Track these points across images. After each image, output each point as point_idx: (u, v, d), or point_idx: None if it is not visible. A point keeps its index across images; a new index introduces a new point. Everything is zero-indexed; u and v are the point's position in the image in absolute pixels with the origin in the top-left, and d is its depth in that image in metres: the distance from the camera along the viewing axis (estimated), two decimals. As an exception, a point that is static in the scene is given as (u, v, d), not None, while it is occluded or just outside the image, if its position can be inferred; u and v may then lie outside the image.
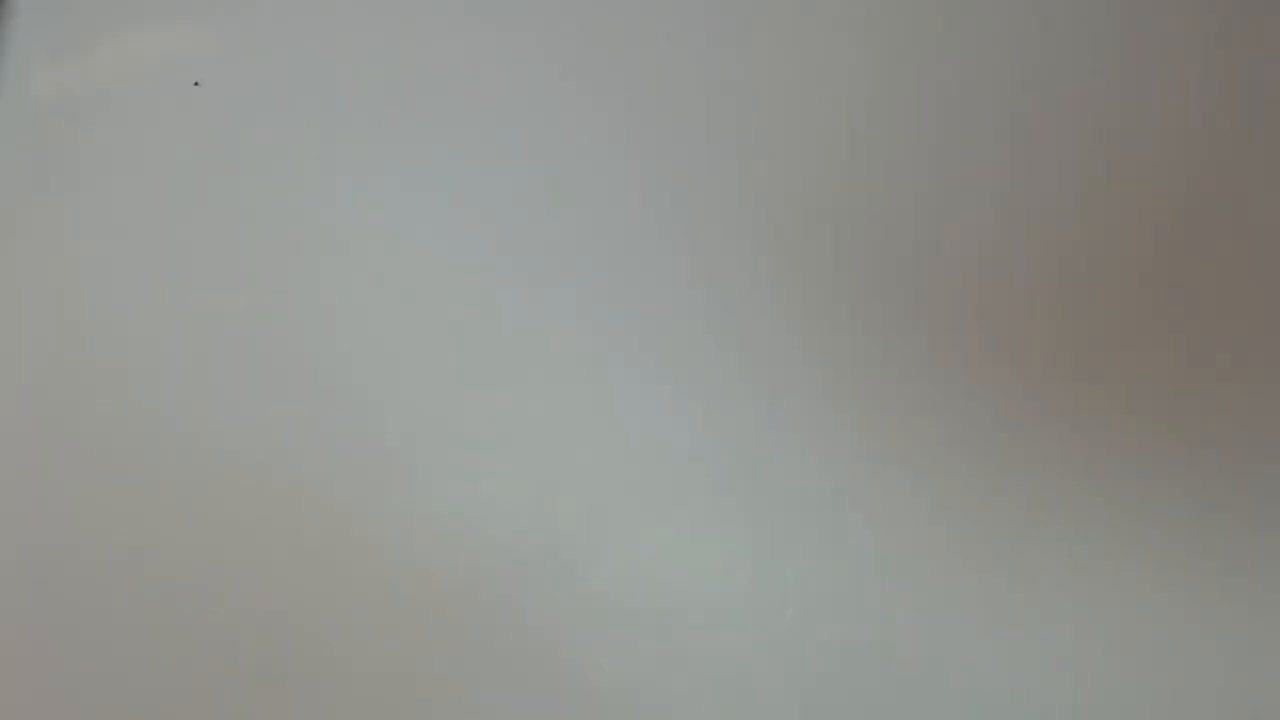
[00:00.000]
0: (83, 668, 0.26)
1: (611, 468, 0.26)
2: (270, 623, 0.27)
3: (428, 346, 0.26)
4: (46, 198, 0.30)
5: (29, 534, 0.27)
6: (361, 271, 0.27)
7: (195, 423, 0.29)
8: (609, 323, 0.26)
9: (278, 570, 0.27)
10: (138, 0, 0.30)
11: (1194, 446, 0.28)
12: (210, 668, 0.27)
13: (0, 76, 0.29)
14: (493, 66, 0.27)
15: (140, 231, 0.30)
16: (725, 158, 0.30)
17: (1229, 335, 0.29)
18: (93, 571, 0.27)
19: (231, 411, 0.29)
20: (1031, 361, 0.29)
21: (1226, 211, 0.30)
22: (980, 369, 0.29)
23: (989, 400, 0.29)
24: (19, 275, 0.29)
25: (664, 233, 0.26)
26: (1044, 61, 0.32)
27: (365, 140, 0.27)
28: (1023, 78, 0.31)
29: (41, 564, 0.27)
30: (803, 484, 0.25)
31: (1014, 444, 0.25)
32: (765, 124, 0.31)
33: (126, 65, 0.30)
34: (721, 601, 0.27)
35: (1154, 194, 0.30)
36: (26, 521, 0.27)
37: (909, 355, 0.29)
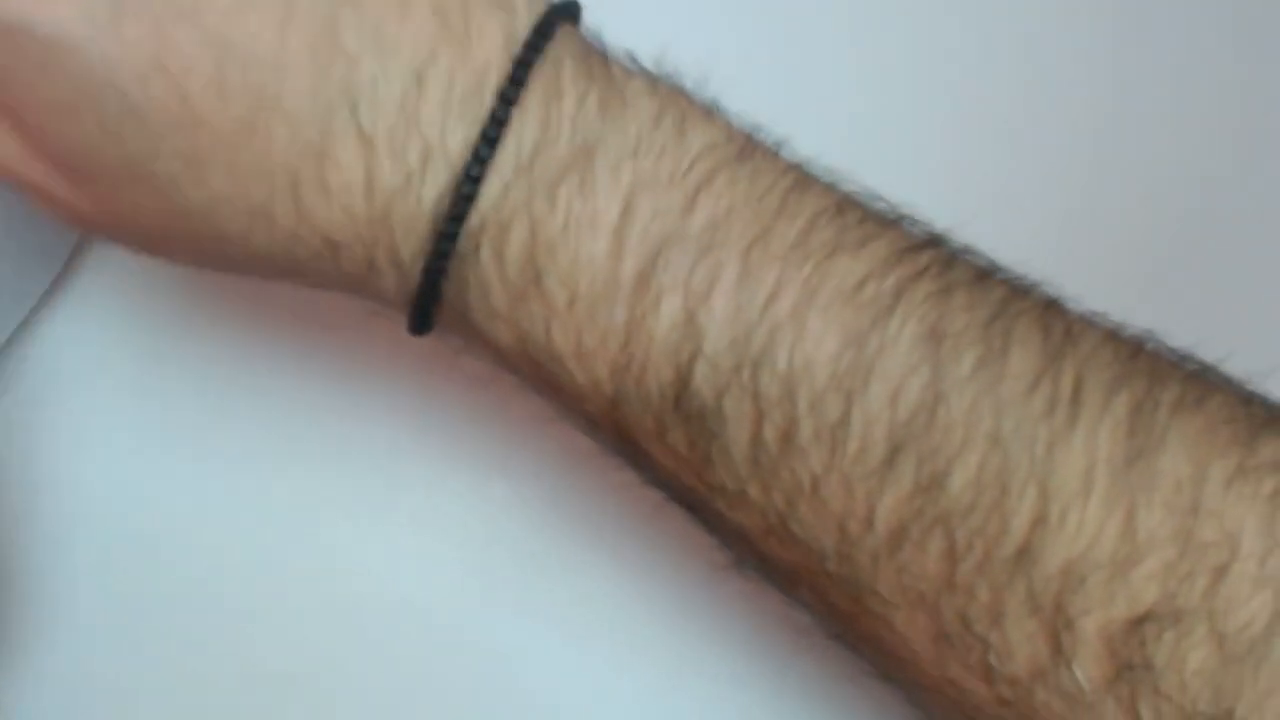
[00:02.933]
0: None
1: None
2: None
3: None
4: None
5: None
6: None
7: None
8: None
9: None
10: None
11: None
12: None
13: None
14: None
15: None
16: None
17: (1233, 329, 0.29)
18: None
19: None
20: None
21: (1231, 210, 0.30)
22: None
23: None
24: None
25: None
26: (1045, 60, 0.31)
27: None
28: (1027, 75, 0.31)
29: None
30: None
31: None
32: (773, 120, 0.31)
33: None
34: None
35: (1157, 192, 0.30)
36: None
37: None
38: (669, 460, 0.18)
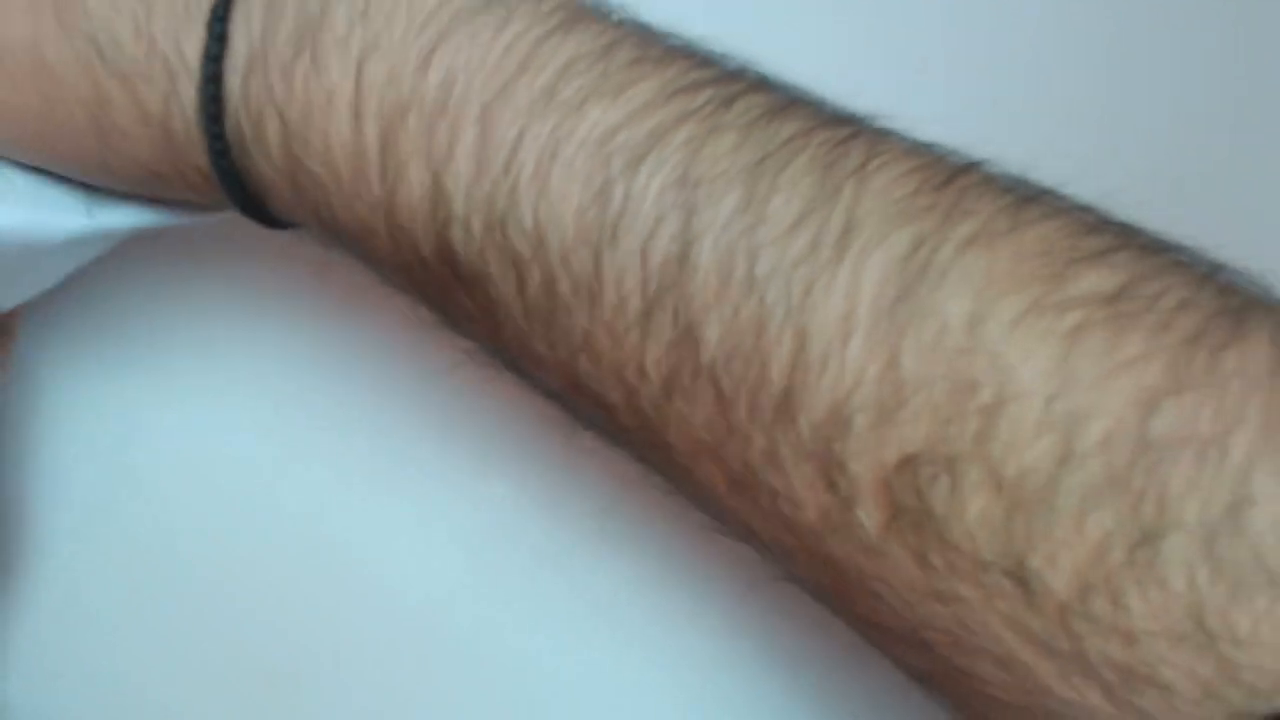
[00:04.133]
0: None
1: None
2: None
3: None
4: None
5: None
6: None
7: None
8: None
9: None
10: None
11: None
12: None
13: None
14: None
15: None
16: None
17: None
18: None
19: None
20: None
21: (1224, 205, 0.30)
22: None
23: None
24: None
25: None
26: (1042, 53, 0.31)
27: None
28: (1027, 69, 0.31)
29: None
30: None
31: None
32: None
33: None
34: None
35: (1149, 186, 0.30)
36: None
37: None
38: (471, 324, 0.18)
